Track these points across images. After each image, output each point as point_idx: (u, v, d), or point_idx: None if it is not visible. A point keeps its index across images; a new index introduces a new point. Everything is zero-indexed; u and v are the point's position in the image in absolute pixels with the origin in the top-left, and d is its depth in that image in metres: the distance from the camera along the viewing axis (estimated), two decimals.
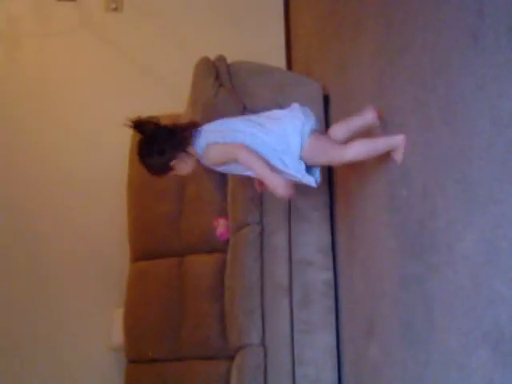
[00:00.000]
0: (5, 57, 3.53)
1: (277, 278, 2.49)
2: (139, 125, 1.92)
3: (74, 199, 3.44)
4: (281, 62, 3.63)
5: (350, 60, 2.38)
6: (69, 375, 3.27)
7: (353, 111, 2.02)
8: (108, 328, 3.20)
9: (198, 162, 1.99)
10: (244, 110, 2.65)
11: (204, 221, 2.88)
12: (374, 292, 2.07)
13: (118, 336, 3.06)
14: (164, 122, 1.97)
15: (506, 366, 1.19)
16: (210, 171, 2.11)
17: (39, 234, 3.41)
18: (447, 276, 1.46)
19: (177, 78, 3.18)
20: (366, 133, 1.96)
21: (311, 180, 1.88)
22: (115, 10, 3.62)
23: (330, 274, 2.51)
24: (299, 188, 1.95)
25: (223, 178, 2.75)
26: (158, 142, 1.93)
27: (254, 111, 2.65)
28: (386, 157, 1.85)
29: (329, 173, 2.56)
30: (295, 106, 1.96)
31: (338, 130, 1.96)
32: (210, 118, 2.05)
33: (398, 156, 1.80)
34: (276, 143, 1.86)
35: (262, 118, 1.97)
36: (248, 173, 1.95)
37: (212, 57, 2.75)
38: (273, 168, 1.85)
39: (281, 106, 2.12)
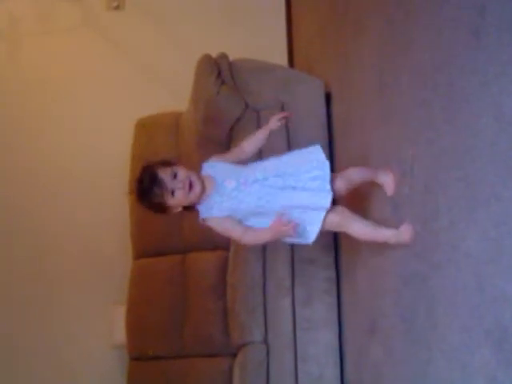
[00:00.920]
0: (5, 56, 3.53)
1: (279, 276, 2.50)
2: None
3: (74, 198, 3.44)
4: (283, 60, 3.64)
5: (351, 58, 2.38)
6: (71, 373, 3.28)
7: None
8: (110, 326, 3.21)
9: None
10: (246, 107, 2.65)
11: None
12: (376, 290, 2.07)
13: (120, 334, 3.07)
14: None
15: (509, 364, 1.19)
16: None
17: (40, 233, 3.41)
18: (450, 274, 1.45)
19: (179, 75, 3.17)
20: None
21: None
22: (117, 8, 3.62)
23: (332, 272, 2.52)
24: None
25: None
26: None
27: (257, 110, 2.66)
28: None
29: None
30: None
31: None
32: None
33: (390, 187, 1.83)
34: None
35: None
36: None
37: (214, 54, 2.75)
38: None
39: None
